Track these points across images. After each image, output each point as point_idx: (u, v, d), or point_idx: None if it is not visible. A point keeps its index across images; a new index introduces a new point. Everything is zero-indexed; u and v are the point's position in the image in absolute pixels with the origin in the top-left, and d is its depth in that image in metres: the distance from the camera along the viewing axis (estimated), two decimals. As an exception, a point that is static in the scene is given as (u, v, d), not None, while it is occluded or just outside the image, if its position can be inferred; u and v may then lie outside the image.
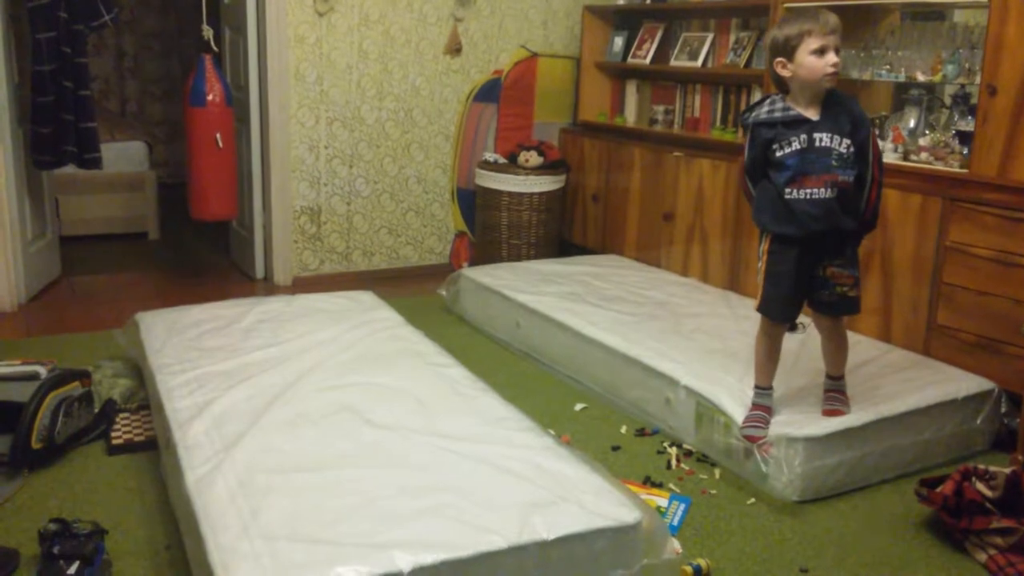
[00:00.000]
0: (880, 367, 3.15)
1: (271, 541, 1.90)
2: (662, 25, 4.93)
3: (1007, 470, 2.52)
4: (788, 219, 2.59)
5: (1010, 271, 3.03)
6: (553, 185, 5.05)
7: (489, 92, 5.31)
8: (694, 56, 4.62)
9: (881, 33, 3.93)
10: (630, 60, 5.05)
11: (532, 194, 4.97)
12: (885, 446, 2.78)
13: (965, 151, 3.26)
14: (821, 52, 2.50)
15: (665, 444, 3.03)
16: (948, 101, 3.56)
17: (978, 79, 3.16)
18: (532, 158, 5.02)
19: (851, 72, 3.75)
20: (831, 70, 2.51)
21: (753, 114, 2.65)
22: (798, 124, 2.56)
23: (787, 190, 2.57)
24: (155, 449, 2.81)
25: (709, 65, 4.56)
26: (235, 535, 1.92)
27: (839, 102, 2.60)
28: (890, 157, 3.50)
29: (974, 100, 3.30)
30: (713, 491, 2.73)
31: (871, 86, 4.02)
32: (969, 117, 3.34)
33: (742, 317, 3.67)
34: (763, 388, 2.77)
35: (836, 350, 2.79)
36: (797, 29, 2.52)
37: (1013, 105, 3.01)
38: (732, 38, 4.46)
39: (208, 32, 4.41)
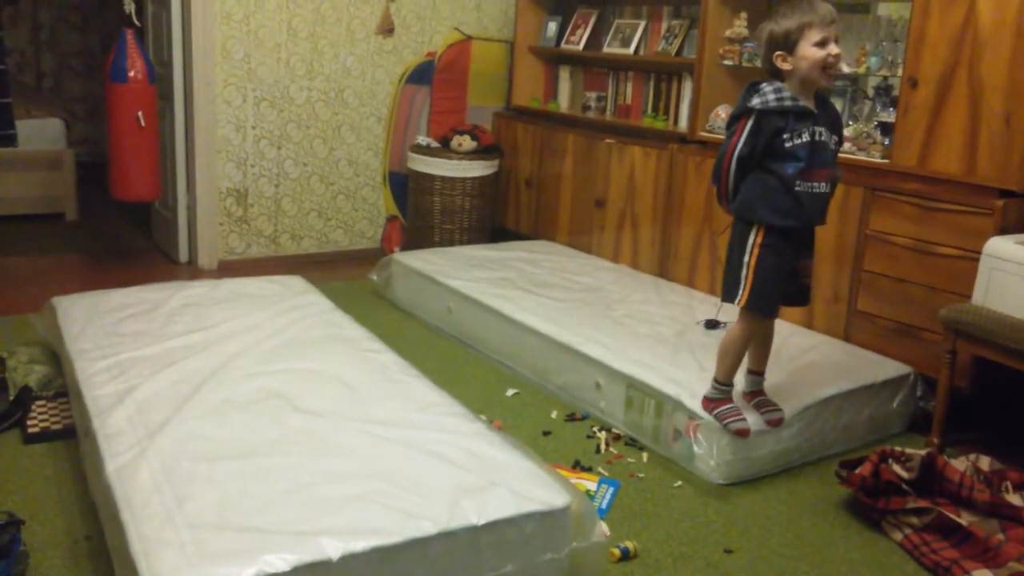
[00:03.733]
0: (802, 352, 3.23)
1: (196, 529, 1.86)
2: (595, 11, 4.95)
3: (922, 452, 2.61)
4: (794, 212, 2.56)
5: (927, 259, 3.13)
6: (486, 170, 5.04)
7: (422, 74, 5.26)
8: (627, 43, 4.65)
9: (808, 25, 4.00)
10: (563, 46, 5.05)
11: (465, 179, 4.95)
12: (808, 431, 2.85)
13: (887, 142, 3.36)
14: (822, 44, 2.48)
15: (595, 428, 3.06)
16: (871, 93, 3.65)
17: (900, 71, 3.25)
18: (465, 142, 4.99)
19: (779, 63, 3.82)
20: (833, 60, 2.50)
21: (759, 100, 2.53)
22: (806, 116, 2.54)
23: (798, 182, 2.53)
24: (74, 438, 2.73)
25: (641, 53, 4.59)
26: (158, 524, 1.88)
27: (825, 101, 2.63)
28: (815, 147, 3.58)
29: (896, 92, 3.40)
30: (641, 475, 2.77)
31: (798, 77, 4.10)
32: (891, 109, 3.43)
33: (671, 303, 3.73)
34: (727, 385, 2.74)
35: (768, 344, 2.79)
36: (797, 22, 2.49)
37: (933, 98, 3.11)
38: (664, 26, 4.50)
39: (130, 5, 4.27)
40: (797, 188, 2.54)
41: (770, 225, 2.57)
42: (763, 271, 2.59)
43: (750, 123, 2.53)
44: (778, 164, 2.53)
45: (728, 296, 2.67)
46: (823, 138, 2.57)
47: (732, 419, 2.67)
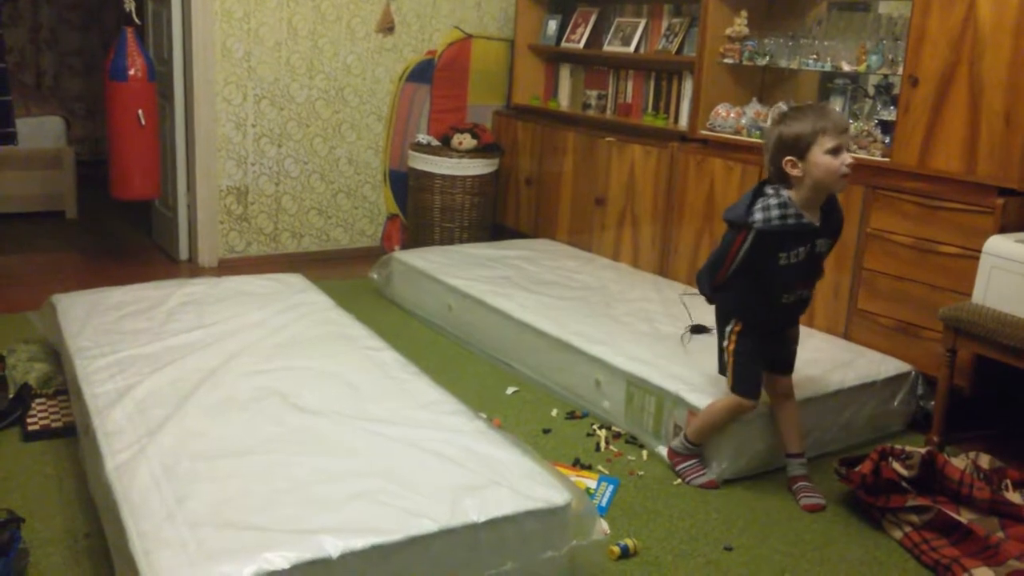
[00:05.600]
0: (802, 350, 3.22)
1: (196, 528, 1.86)
2: (596, 10, 4.94)
3: (922, 450, 2.61)
4: (770, 322, 2.60)
5: (927, 257, 3.13)
6: (486, 168, 5.04)
7: (422, 73, 5.26)
8: (627, 42, 4.65)
9: (808, 23, 4.01)
10: (564, 44, 5.05)
11: (465, 177, 4.95)
12: (807, 427, 2.85)
13: (887, 140, 3.35)
14: (836, 151, 2.37)
15: (594, 426, 3.06)
16: (871, 91, 3.65)
17: (900, 70, 3.25)
18: (466, 141, 4.99)
19: (779, 61, 3.82)
20: (847, 170, 2.39)
21: (762, 217, 2.40)
22: (806, 234, 2.46)
23: (784, 296, 2.54)
24: (73, 435, 2.73)
25: (642, 51, 4.59)
26: (158, 522, 1.88)
27: (832, 204, 2.55)
28: (815, 145, 3.58)
29: (896, 90, 3.39)
30: (641, 472, 2.77)
31: (798, 75, 4.11)
32: (891, 107, 3.43)
33: (671, 301, 3.72)
34: (695, 446, 2.73)
35: (791, 421, 2.70)
36: (810, 127, 2.37)
37: (933, 96, 3.10)
38: (664, 24, 4.50)
39: (130, 3, 4.27)
40: (783, 301, 2.55)
41: (749, 323, 2.59)
42: (742, 356, 2.58)
43: (749, 239, 2.42)
44: (767, 279, 2.49)
45: (720, 370, 2.69)
46: (821, 250, 2.53)
47: (694, 475, 2.70)
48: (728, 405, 2.64)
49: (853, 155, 3.37)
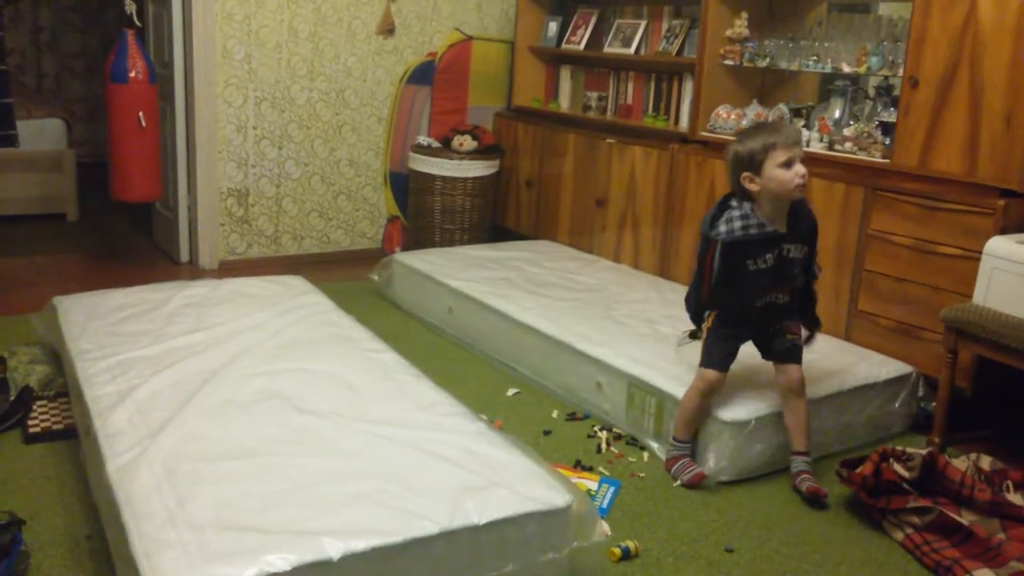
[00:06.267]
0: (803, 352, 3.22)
1: (197, 530, 1.86)
2: (596, 11, 4.95)
3: (923, 452, 2.61)
4: (747, 318, 2.69)
5: (928, 259, 3.13)
6: (487, 170, 5.04)
7: (423, 74, 5.26)
8: (627, 43, 4.65)
9: (809, 24, 4.01)
10: (564, 45, 5.05)
11: (466, 179, 4.95)
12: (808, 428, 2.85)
13: (887, 141, 3.36)
14: (788, 164, 2.50)
15: (595, 428, 3.06)
16: (872, 92, 3.65)
17: (901, 71, 3.25)
18: (466, 142, 4.99)
19: (780, 62, 3.82)
20: (800, 181, 2.51)
21: (725, 228, 2.57)
22: (772, 240, 2.58)
23: (757, 300, 2.64)
24: (75, 437, 2.73)
25: (642, 52, 4.59)
26: (159, 524, 1.88)
27: (798, 209, 2.64)
28: (816, 147, 3.59)
29: (896, 92, 3.39)
30: (642, 474, 2.77)
31: (798, 76, 4.11)
32: (892, 108, 3.43)
33: (672, 302, 3.72)
34: (682, 442, 2.76)
35: (796, 419, 2.71)
36: (761, 143, 2.51)
37: (934, 97, 3.11)
38: (664, 26, 4.50)
39: (131, 6, 4.27)
40: (757, 305, 2.65)
41: (724, 320, 2.72)
42: (715, 332, 2.72)
43: (718, 251, 2.60)
44: (740, 282, 2.61)
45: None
46: (791, 254, 2.63)
47: (683, 472, 2.71)
48: (695, 383, 2.71)
49: (854, 156, 3.41)
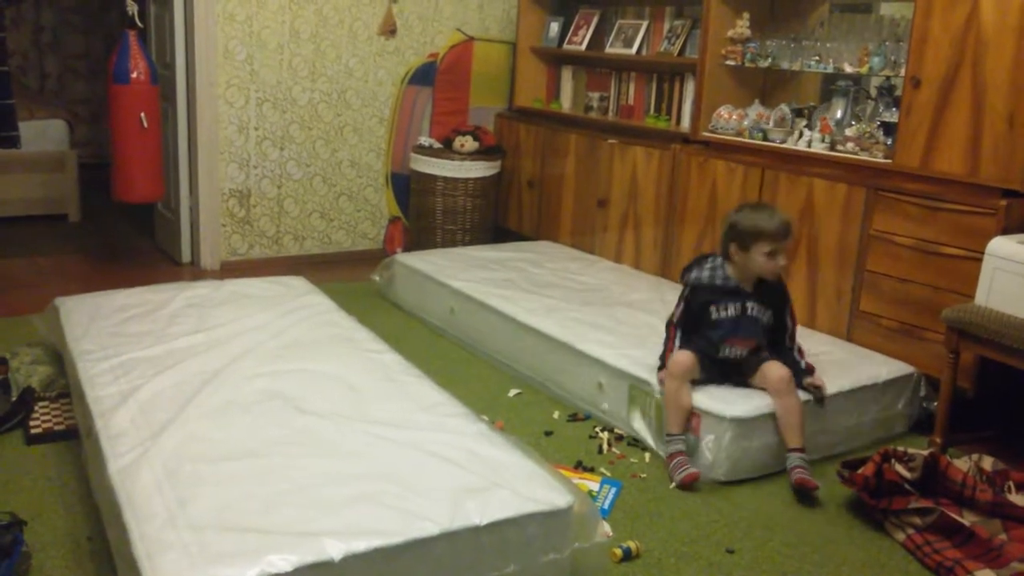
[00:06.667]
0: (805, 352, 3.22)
1: (199, 531, 1.86)
2: (598, 11, 4.95)
3: (925, 452, 2.61)
4: (712, 365, 2.85)
5: (930, 259, 3.13)
6: (488, 171, 5.04)
7: (424, 75, 5.26)
8: (629, 43, 4.65)
9: (811, 24, 4.01)
10: (566, 46, 5.05)
11: (467, 179, 4.95)
12: (809, 430, 2.85)
13: (889, 142, 3.35)
14: (771, 255, 2.77)
15: (597, 429, 3.06)
16: (874, 92, 3.65)
17: (903, 71, 3.24)
18: (467, 143, 4.99)
19: (781, 63, 3.82)
20: (778, 271, 2.84)
21: (695, 274, 2.90)
22: (736, 293, 2.85)
23: (721, 348, 2.85)
24: (76, 438, 2.73)
25: (643, 53, 4.59)
26: (160, 525, 1.88)
27: (764, 282, 2.87)
28: (817, 147, 3.59)
29: (898, 92, 3.39)
30: (643, 474, 2.77)
31: (800, 76, 4.11)
32: (893, 109, 3.43)
33: (673, 303, 3.71)
34: (673, 435, 2.78)
35: (788, 417, 2.74)
36: (754, 229, 2.77)
37: (936, 97, 3.10)
38: (666, 26, 4.50)
39: (132, 7, 4.27)
40: (721, 354, 2.85)
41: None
42: (679, 340, 2.95)
43: (686, 292, 2.92)
44: (707, 330, 2.87)
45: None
46: (753, 313, 2.86)
47: (678, 471, 2.71)
48: (667, 370, 2.83)
49: (855, 156, 3.40)
